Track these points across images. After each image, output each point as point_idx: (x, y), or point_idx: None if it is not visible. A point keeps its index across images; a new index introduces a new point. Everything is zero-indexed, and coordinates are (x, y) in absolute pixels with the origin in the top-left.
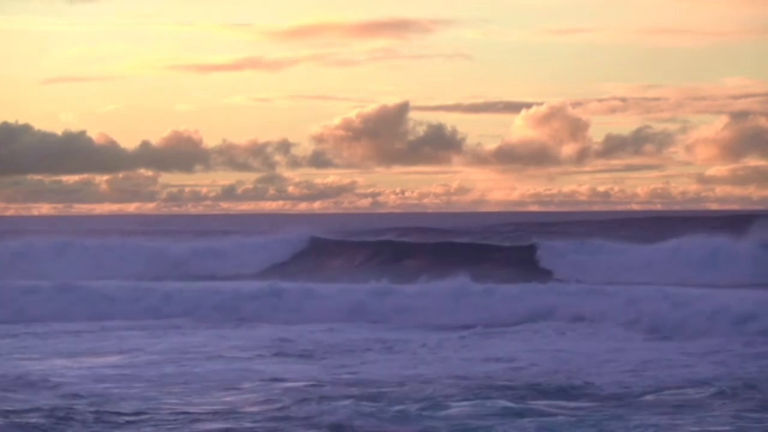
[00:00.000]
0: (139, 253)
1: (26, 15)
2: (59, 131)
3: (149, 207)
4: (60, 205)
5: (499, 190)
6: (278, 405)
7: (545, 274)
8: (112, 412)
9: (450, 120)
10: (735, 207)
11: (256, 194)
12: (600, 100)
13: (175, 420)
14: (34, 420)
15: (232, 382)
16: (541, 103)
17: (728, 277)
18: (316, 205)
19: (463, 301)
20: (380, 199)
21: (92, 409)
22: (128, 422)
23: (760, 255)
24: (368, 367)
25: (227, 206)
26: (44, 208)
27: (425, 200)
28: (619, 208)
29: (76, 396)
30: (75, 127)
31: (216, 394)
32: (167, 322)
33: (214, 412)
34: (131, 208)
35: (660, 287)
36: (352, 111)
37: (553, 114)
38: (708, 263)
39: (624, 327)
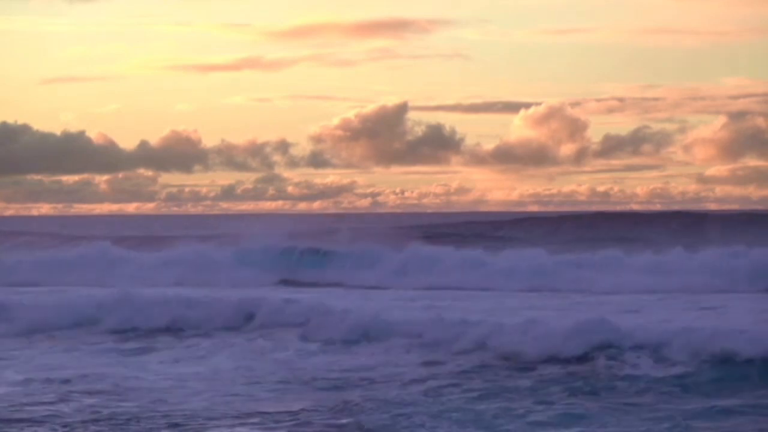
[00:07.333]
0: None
1: (26, 15)
2: (58, 131)
3: (149, 207)
4: (60, 205)
5: (498, 190)
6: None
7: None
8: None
9: (449, 120)
10: (735, 207)
11: (256, 194)
12: (598, 100)
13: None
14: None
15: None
16: (540, 103)
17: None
18: (316, 205)
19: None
20: (380, 199)
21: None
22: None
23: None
24: None
25: (227, 206)
26: (44, 208)
27: (425, 200)
28: (619, 208)
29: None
30: (74, 127)
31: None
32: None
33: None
34: (131, 208)
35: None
36: (350, 111)
37: (552, 114)
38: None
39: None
